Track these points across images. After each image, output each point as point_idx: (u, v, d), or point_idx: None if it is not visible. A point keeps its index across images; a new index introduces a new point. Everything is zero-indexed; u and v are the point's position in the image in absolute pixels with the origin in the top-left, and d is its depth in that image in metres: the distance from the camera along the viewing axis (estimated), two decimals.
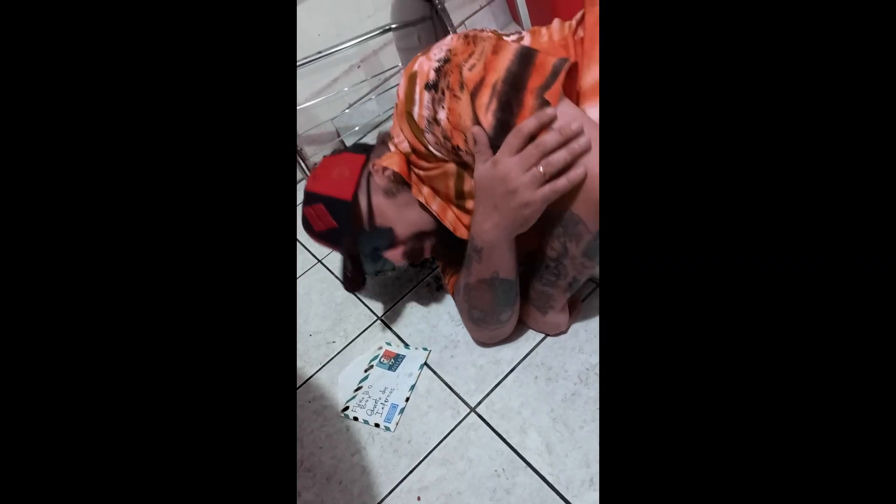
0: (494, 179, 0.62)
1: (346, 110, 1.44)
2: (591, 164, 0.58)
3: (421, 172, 0.75)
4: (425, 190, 0.77)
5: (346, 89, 1.41)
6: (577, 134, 0.58)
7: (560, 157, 0.58)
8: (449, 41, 0.67)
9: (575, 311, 0.84)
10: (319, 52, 1.28)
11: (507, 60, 0.62)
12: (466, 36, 0.67)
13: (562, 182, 0.59)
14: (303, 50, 1.30)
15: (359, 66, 1.44)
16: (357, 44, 1.31)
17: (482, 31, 0.69)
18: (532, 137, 0.59)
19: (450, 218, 0.77)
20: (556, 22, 0.73)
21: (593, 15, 0.67)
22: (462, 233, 0.77)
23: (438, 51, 0.67)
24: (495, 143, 0.62)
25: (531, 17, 1.31)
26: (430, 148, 0.68)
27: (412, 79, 0.67)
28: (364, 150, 0.84)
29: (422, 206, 0.78)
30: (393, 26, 1.31)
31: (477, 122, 0.62)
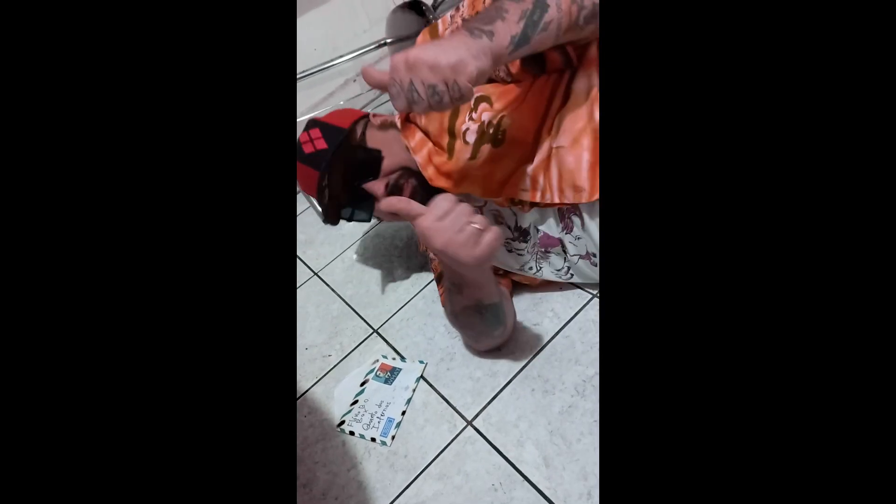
0: (435, 249, 0.63)
1: None
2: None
3: (422, 122, 0.79)
4: (415, 138, 0.81)
5: (342, 103, 1.42)
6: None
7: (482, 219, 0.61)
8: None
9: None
10: (316, 66, 1.29)
11: None
12: None
13: (495, 240, 0.61)
14: (300, 64, 1.31)
15: (354, 80, 1.46)
16: (353, 58, 1.32)
17: None
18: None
19: (422, 154, 0.80)
20: None
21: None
22: (428, 174, 0.80)
23: (454, 11, 0.74)
24: None
25: None
26: None
27: (433, 26, 0.74)
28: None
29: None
30: (388, 41, 1.32)
31: None
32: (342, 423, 0.85)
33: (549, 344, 0.85)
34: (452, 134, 0.76)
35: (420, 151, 0.80)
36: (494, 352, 0.86)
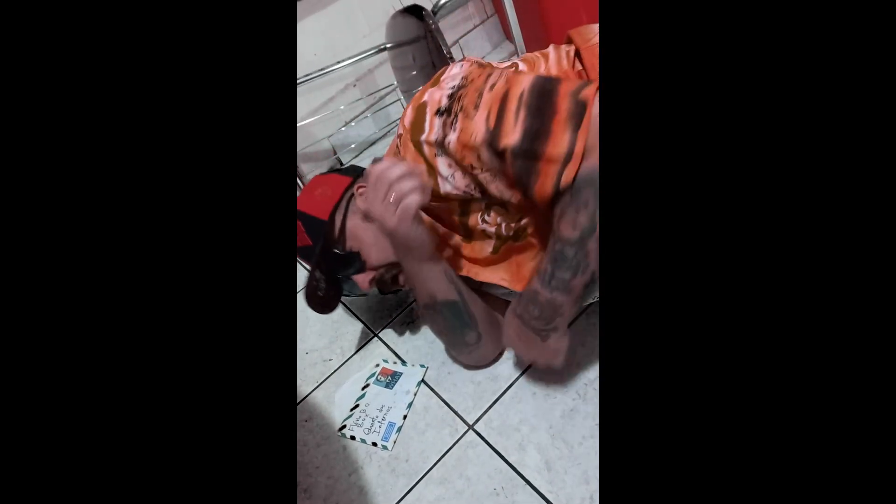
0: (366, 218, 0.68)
1: (342, 128, 1.45)
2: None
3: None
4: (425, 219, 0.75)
5: (342, 108, 1.42)
6: (420, 170, 0.63)
7: (406, 183, 0.62)
8: (460, 69, 0.66)
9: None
10: (316, 72, 1.30)
11: (531, 77, 0.60)
12: (479, 63, 0.67)
13: (411, 198, 0.63)
14: (299, 69, 1.31)
15: (354, 85, 1.46)
16: (352, 63, 1.32)
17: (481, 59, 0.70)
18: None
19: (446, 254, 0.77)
20: (550, 49, 0.73)
21: (591, 55, 0.68)
22: (447, 255, 0.77)
23: (451, 80, 0.65)
24: (527, 150, 0.58)
25: (524, 36, 1.33)
26: (441, 174, 0.66)
27: (421, 108, 0.66)
28: (354, 172, 0.83)
29: None
30: (388, 46, 1.32)
31: (494, 138, 0.58)
32: (343, 427, 0.85)
33: None
34: (467, 228, 0.73)
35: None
36: (493, 359, 0.86)
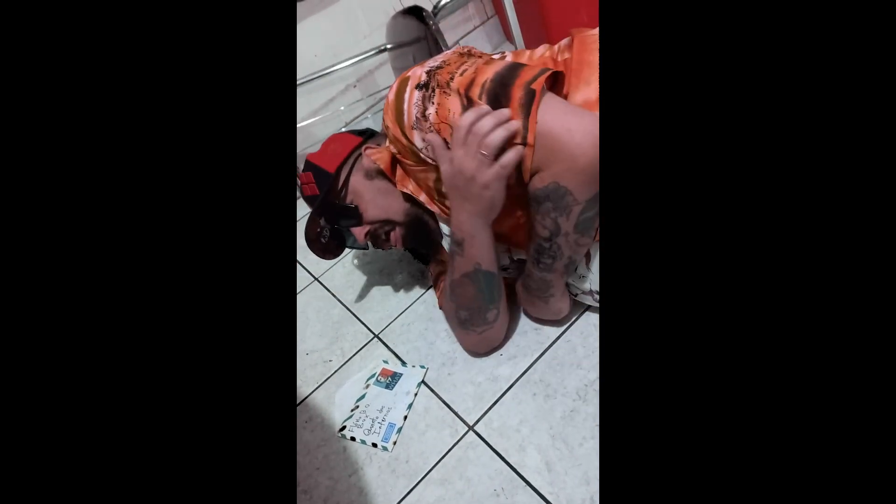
0: (454, 173, 0.67)
1: (343, 129, 1.45)
2: (581, 134, 0.60)
3: (408, 165, 0.78)
4: (411, 184, 0.81)
5: (342, 108, 1.42)
6: (509, 117, 0.62)
7: (496, 135, 0.62)
8: (443, 55, 0.72)
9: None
10: (316, 72, 1.30)
11: (497, 66, 0.66)
12: (461, 52, 0.72)
13: (508, 156, 0.63)
14: (300, 70, 1.31)
15: (355, 86, 1.46)
16: (353, 64, 1.32)
17: (471, 48, 0.73)
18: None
19: (423, 198, 0.82)
20: (542, 47, 0.77)
21: (581, 40, 0.71)
22: (437, 209, 0.81)
23: (433, 61, 0.71)
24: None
25: (524, 36, 1.34)
26: (416, 147, 0.71)
27: (403, 82, 0.70)
28: (365, 133, 0.91)
29: (405, 196, 0.83)
30: (388, 46, 1.32)
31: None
32: (343, 428, 0.85)
33: (551, 348, 0.85)
34: (442, 195, 0.76)
35: (420, 194, 0.81)
36: (495, 356, 0.86)
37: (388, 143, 0.80)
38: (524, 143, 0.62)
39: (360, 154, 0.86)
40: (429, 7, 1.17)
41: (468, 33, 1.63)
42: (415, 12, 1.11)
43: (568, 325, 0.86)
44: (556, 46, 0.76)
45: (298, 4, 1.28)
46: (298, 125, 1.34)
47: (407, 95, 0.69)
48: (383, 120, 0.79)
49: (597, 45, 0.70)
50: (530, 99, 0.61)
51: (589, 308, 0.87)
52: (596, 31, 0.73)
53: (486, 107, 0.63)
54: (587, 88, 0.68)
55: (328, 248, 0.93)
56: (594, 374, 0.79)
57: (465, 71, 0.66)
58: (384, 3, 1.42)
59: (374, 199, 0.84)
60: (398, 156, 0.77)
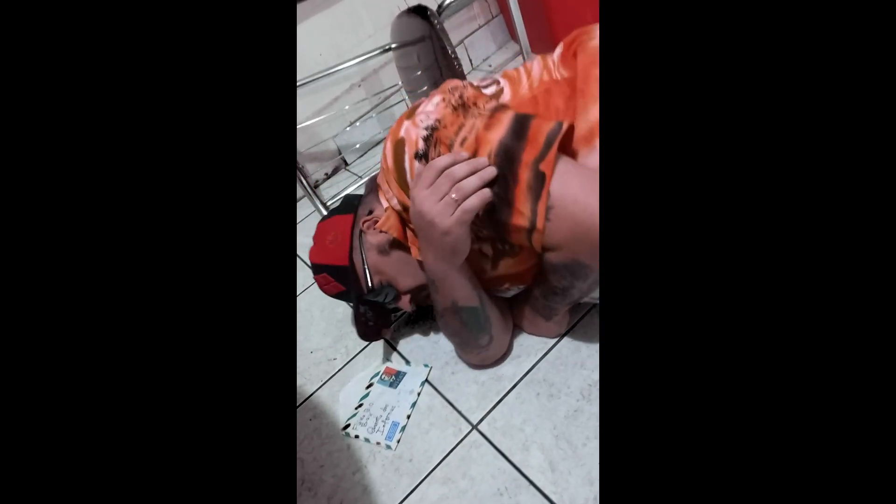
0: (416, 214, 0.64)
1: (347, 128, 1.45)
2: (590, 208, 0.58)
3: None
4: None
5: (347, 108, 1.43)
6: (486, 164, 0.60)
7: (470, 182, 0.59)
8: (435, 108, 0.66)
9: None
10: (320, 72, 1.30)
11: (499, 131, 0.62)
12: (454, 104, 0.66)
13: (471, 201, 0.60)
14: (304, 69, 1.31)
15: (359, 85, 1.46)
16: (357, 63, 1.32)
17: (463, 86, 0.68)
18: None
19: None
20: (535, 64, 0.73)
21: (585, 54, 0.68)
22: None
23: (425, 117, 0.65)
24: (496, 220, 0.63)
25: (528, 36, 1.33)
26: None
27: (399, 146, 0.66)
28: (352, 206, 0.84)
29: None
30: (393, 46, 1.32)
31: None
32: (347, 426, 0.85)
33: (555, 348, 0.85)
34: None
35: None
36: (497, 359, 0.86)
37: (382, 203, 0.77)
38: (532, 228, 0.61)
39: (362, 231, 0.81)
40: (433, 6, 1.16)
41: (473, 32, 1.63)
42: (419, 11, 1.11)
43: (571, 324, 0.86)
44: (550, 60, 0.73)
45: (302, 3, 1.28)
46: (303, 125, 1.35)
47: (407, 165, 0.66)
48: (377, 182, 0.78)
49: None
50: (540, 183, 0.59)
51: (593, 308, 0.87)
52: (596, 32, 0.71)
53: (464, 153, 0.61)
54: (596, 107, 0.64)
55: (378, 328, 0.89)
56: (597, 375, 0.79)
57: (464, 140, 0.62)
58: (389, 2, 1.42)
59: (401, 271, 0.80)
60: (405, 214, 0.73)
